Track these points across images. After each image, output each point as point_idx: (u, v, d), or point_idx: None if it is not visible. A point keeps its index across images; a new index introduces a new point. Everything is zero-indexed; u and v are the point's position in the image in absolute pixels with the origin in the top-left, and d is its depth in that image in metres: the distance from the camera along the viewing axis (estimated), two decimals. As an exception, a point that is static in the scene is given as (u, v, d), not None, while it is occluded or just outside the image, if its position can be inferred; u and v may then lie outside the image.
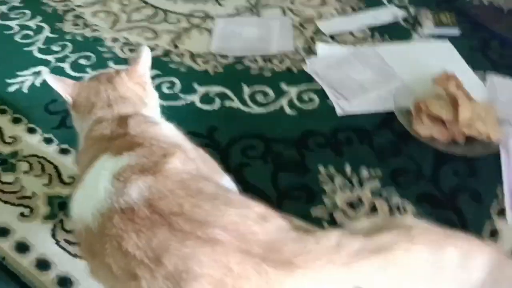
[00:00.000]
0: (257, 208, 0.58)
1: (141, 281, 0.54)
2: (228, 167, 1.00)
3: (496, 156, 1.12)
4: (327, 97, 1.29)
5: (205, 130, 1.19)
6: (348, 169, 1.10)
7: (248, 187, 1.05)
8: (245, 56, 1.43)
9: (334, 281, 0.53)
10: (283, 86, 1.33)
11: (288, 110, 1.26)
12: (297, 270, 0.52)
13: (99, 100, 0.79)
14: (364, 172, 1.10)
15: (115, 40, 1.50)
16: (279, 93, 1.31)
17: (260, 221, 0.55)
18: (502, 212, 1.02)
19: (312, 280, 0.52)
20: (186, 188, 0.59)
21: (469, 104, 1.14)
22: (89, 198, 0.62)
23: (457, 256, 0.55)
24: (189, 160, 0.66)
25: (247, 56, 1.43)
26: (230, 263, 0.52)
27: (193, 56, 1.44)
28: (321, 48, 1.45)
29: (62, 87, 0.81)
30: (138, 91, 0.83)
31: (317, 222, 0.99)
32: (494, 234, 0.98)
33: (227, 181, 0.79)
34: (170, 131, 0.77)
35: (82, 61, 1.40)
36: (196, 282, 0.52)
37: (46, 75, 0.81)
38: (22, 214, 0.97)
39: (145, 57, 0.86)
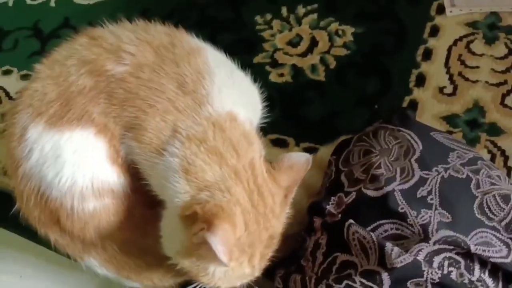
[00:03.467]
0: None
1: None
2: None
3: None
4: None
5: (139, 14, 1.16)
6: (284, 11, 1.08)
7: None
8: None
9: None
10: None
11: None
12: None
13: None
14: (301, 10, 1.08)
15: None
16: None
17: None
18: (441, 10, 1.00)
19: None
20: None
21: None
22: None
23: None
24: None
25: None
26: None
27: None
28: None
29: None
30: None
31: (260, 68, 1.00)
32: (435, 31, 0.97)
33: None
34: None
35: None
36: None
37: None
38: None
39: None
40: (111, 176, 0.60)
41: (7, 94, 1.08)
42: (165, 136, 0.57)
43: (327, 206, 0.60)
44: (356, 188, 0.59)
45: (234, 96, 0.61)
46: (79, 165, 0.58)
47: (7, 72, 1.12)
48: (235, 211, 0.53)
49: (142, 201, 0.62)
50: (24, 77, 1.09)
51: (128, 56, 0.59)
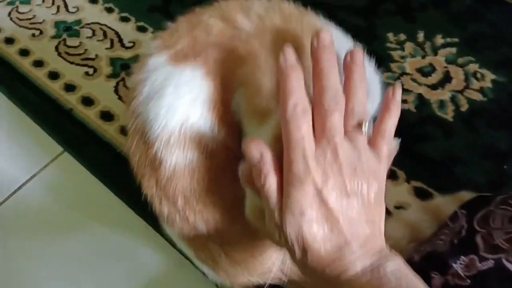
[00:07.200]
0: None
1: None
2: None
3: None
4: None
5: None
6: (420, 35, 1.01)
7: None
8: None
9: None
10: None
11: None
12: None
13: None
14: (439, 40, 1.00)
15: None
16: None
17: None
18: None
19: None
20: None
21: None
22: None
23: None
24: None
25: None
26: None
27: None
28: None
29: None
30: None
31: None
32: None
33: None
34: None
35: None
36: None
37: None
38: (86, 73, 1.00)
39: None
40: (203, 121, 0.53)
41: (120, 40, 1.07)
42: (272, 105, 0.51)
43: (454, 265, 0.53)
44: (495, 257, 0.51)
45: None
46: (174, 103, 0.53)
47: (125, 19, 1.12)
48: None
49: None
50: (140, 29, 1.08)
51: (255, 17, 0.55)
